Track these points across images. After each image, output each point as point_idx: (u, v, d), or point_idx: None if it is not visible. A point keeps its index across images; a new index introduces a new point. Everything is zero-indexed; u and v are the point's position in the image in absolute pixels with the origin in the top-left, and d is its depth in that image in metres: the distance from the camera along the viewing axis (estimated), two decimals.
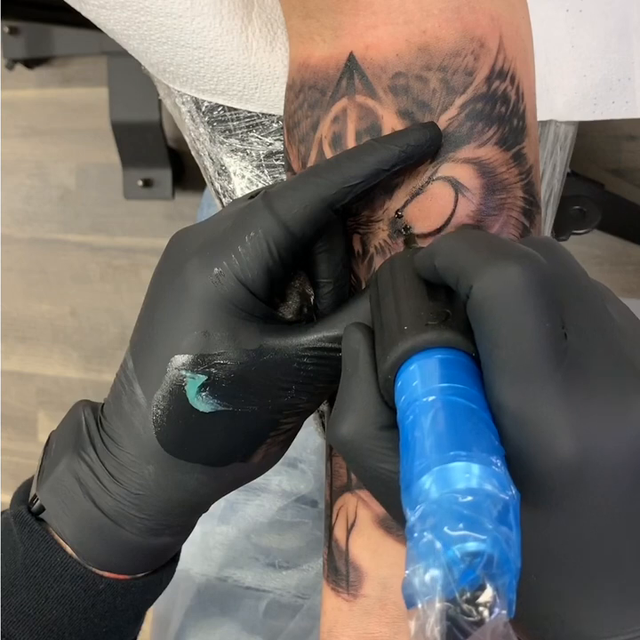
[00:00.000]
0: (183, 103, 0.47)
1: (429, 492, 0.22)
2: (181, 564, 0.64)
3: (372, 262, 0.35)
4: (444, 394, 0.24)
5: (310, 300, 0.35)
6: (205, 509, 0.37)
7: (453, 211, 0.33)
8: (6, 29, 1.42)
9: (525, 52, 0.35)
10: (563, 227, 0.86)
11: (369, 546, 0.36)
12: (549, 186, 0.51)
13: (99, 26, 0.44)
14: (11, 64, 1.49)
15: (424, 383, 0.25)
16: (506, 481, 0.22)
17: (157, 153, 1.35)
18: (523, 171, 0.34)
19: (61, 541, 0.35)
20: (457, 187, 0.33)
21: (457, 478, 0.22)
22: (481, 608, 0.20)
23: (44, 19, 1.32)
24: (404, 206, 0.34)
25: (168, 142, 1.37)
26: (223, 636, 0.63)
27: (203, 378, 0.32)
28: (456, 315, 0.27)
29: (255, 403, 0.33)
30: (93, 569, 0.35)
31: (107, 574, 0.36)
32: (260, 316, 0.32)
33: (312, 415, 0.51)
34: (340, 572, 0.37)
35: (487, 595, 0.20)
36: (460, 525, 0.21)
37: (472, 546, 0.20)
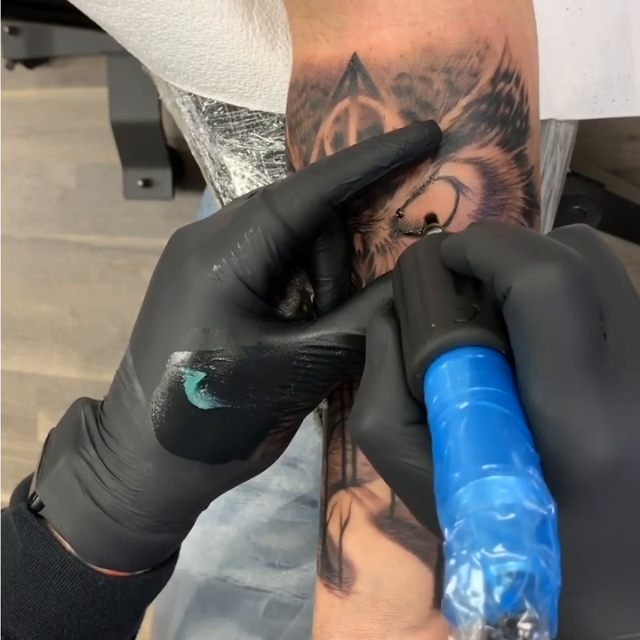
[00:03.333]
0: (183, 103, 0.47)
1: (467, 507, 0.22)
2: (181, 564, 0.64)
3: (373, 262, 0.35)
4: (477, 399, 0.24)
5: (310, 298, 0.35)
6: (204, 507, 0.37)
7: (454, 210, 0.33)
8: (6, 29, 1.42)
9: (530, 53, 0.35)
10: (562, 226, 0.86)
11: (362, 543, 0.36)
12: (549, 186, 0.51)
13: (99, 23, 0.44)
14: (11, 64, 1.49)
15: (455, 386, 0.24)
16: (544, 494, 0.22)
17: (157, 153, 1.35)
18: (524, 172, 0.34)
19: (60, 538, 0.35)
20: (458, 186, 0.33)
21: (494, 493, 0.21)
22: (522, 631, 0.20)
23: (44, 19, 1.32)
24: (405, 205, 0.34)
25: (168, 142, 1.37)
26: (223, 635, 0.63)
27: (201, 375, 0.32)
28: (484, 310, 0.26)
29: (254, 400, 0.33)
30: (92, 566, 0.35)
31: (106, 571, 0.36)
32: (259, 313, 0.32)
33: (312, 415, 0.51)
34: (333, 569, 0.37)
35: (529, 617, 0.20)
36: (499, 546, 0.20)
37: (512, 566, 0.20)
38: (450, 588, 0.21)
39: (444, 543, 0.22)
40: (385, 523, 0.35)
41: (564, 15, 0.44)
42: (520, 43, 0.34)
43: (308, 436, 0.61)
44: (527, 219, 0.35)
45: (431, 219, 0.33)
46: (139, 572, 0.37)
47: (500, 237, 0.26)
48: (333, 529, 0.37)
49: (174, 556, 0.39)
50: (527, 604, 0.20)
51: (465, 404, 0.24)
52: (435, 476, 0.24)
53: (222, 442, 0.34)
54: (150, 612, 0.67)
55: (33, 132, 1.58)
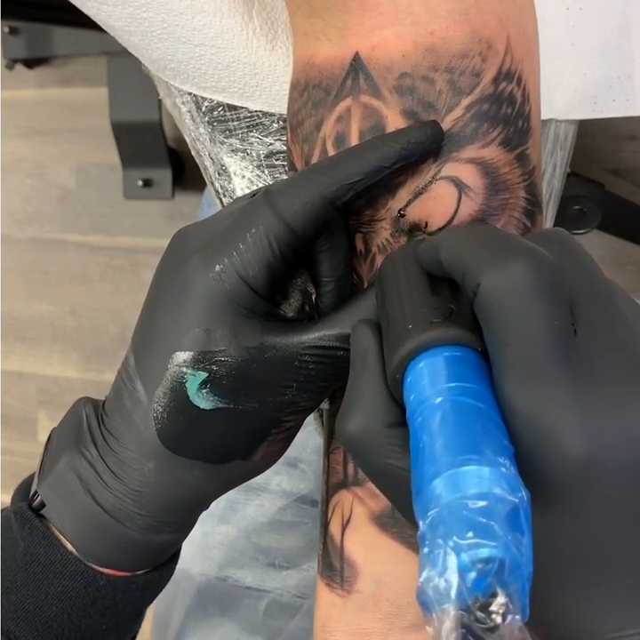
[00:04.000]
0: (183, 103, 0.47)
1: (440, 497, 0.22)
2: (181, 564, 0.64)
3: (375, 261, 0.35)
4: (452, 394, 0.24)
5: (312, 298, 0.35)
6: (206, 507, 0.37)
7: (456, 210, 0.33)
8: (6, 29, 1.42)
9: (531, 53, 0.35)
10: (563, 227, 0.86)
11: (363, 542, 0.36)
12: (549, 186, 0.51)
13: (99, 23, 0.44)
14: (11, 64, 1.49)
15: (432, 383, 0.25)
16: (516, 482, 0.22)
17: (157, 153, 1.35)
18: (526, 171, 0.34)
19: (62, 538, 0.35)
20: (460, 186, 0.33)
21: (467, 483, 0.22)
22: (494, 615, 0.20)
23: (44, 19, 1.32)
24: (407, 205, 0.34)
25: (168, 142, 1.37)
26: (223, 635, 0.63)
27: (203, 375, 0.32)
28: (460, 309, 0.27)
29: (256, 400, 0.33)
30: (93, 566, 0.35)
31: (107, 571, 0.36)
32: (261, 313, 0.32)
33: (312, 414, 0.51)
34: (334, 568, 0.37)
35: (500, 601, 0.20)
36: (471, 533, 0.21)
37: (483, 552, 0.21)
38: (423, 576, 0.21)
39: (418, 533, 0.22)
40: (386, 522, 0.35)
41: (564, 15, 0.44)
42: (522, 42, 0.34)
43: (309, 435, 0.61)
44: (529, 218, 0.35)
45: (416, 227, 0.34)
46: (140, 572, 0.37)
47: (470, 237, 0.27)
48: (335, 528, 0.37)
49: (175, 557, 0.39)
50: (498, 589, 0.20)
51: (440, 398, 0.24)
52: (411, 470, 0.24)
53: (224, 442, 0.34)
54: (150, 612, 0.67)
55: (33, 131, 1.58)
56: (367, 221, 0.35)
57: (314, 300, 0.35)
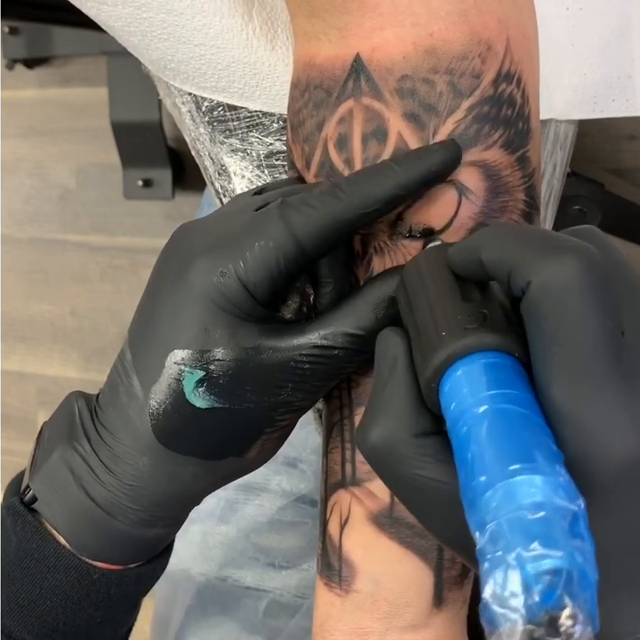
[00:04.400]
0: (183, 103, 0.47)
1: (497, 510, 0.21)
2: (181, 564, 0.64)
3: (371, 263, 0.35)
4: (495, 402, 0.24)
5: (310, 299, 0.35)
6: (198, 502, 0.37)
7: (456, 213, 0.33)
8: (6, 29, 1.42)
9: (531, 54, 0.35)
10: (563, 227, 0.86)
11: (362, 542, 0.36)
12: (549, 186, 0.51)
13: (99, 23, 0.44)
14: (11, 64, 1.49)
15: (473, 391, 0.25)
16: (572, 490, 0.22)
17: (157, 153, 1.36)
18: (526, 174, 0.34)
19: (54, 532, 0.35)
20: (461, 190, 0.33)
21: (523, 493, 0.21)
22: (565, 627, 0.20)
23: (44, 19, 1.32)
24: (407, 208, 0.34)
25: (168, 142, 1.37)
26: (223, 635, 0.63)
27: (200, 373, 0.32)
28: (493, 314, 0.27)
29: (251, 400, 0.33)
30: (86, 559, 0.35)
31: (100, 565, 0.36)
32: (259, 316, 0.33)
33: (312, 415, 0.51)
34: (332, 568, 0.37)
35: (570, 613, 0.20)
36: (534, 544, 0.20)
37: (548, 563, 0.20)
38: (487, 592, 0.21)
39: (477, 548, 0.22)
40: (384, 522, 0.35)
41: (564, 15, 0.44)
42: (521, 44, 0.34)
43: (308, 435, 0.61)
44: (527, 220, 0.35)
45: (429, 232, 0.33)
46: (133, 566, 0.37)
47: (515, 236, 0.26)
48: (333, 528, 0.37)
49: (168, 549, 0.39)
50: (567, 601, 0.20)
51: (484, 407, 0.24)
52: (460, 481, 0.24)
53: (218, 439, 0.34)
54: (150, 612, 0.67)
55: (33, 131, 1.58)
56: None
57: (311, 301, 0.35)
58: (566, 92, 0.46)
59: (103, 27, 0.44)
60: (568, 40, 0.45)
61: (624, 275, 0.27)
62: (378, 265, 0.35)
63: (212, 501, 0.64)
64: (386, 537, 0.35)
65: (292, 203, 0.32)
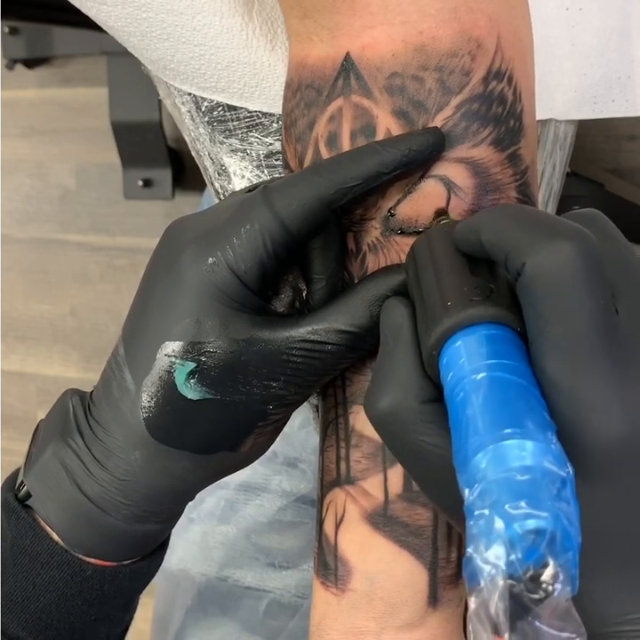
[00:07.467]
0: (183, 103, 0.47)
1: (487, 470, 0.22)
2: (181, 564, 0.64)
3: (365, 260, 0.35)
4: (493, 370, 0.25)
5: (302, 294, 0.35)
6: (191, 497, 0.37)
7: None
8: (6, 29, 1.42)
9: (524, 52, 0.35)
10: None
11: (357, 541, 0.36)
12: (549, 186, 0.51)
13: (99, 23, 0.44)
14: (11, 64, 1.49)
15: (471, 360, 0.25)
16: (562, 457, 0.22)
17: (157, 153, 1.36)
18: (517, 171, 0.34)
19: (48, 528, 0.35)
20: (449, 185, 0.33)
21: (513, 456, 0.22)
22: (545, 585, 0.20)
23: (44, 19, 1.32)
24: (397, 204, 0.34)
25: (168, 142, 1.37)
26: (223, 635, 0.63)
27: (192, 365, 0.32)
28: (499, 290, 0.27)
29: (243, 392, 0.33)
30: (80, 556, 0.35)
31: (93, 561, 0.36)
32: (251, 307, 0.33)
33: (312, 415, 0.51)
34: (328, 567, 0.37)
35: (551, 571, 0.21)
36: (521, 503, 0.21)
37: (533, 523, 0.21)
38: (471, 546, 0.21)
39: (465, 504, 0.22)
40: (379, 520, 0.35)
41: (563, 15, 0.44)
42: (513, 42, 0.34)
43: (308, 435, 0.61)
44: None
45: (442, 212, 0.34)
46: (126, 562, 0.37)
47: (513, 218, 0.27)
48: (329, 527, 0.37)
49: (163, 546, 0.39)
50: (550, 560, 0.21)
51: (482, 374, 0.25)
52: (453, 445, 0.24)
53: (211, 433, 0.34)
54: (150, 612, 0.67)
55: (33, 131, 1.58)
56: (358, 220, 0.35)
57: (304, 297, 0.35)
58: (566, 92, 0.46)
59: (103, 27, 0.44)
60: (568, 40, 0.45)
61: (623, 259, 0.28)
62: (372, 262, 0.35)
63: (213, 501, 0.64)
64: (380, 536, 0.35)
65: (274, 186, 0.33)
